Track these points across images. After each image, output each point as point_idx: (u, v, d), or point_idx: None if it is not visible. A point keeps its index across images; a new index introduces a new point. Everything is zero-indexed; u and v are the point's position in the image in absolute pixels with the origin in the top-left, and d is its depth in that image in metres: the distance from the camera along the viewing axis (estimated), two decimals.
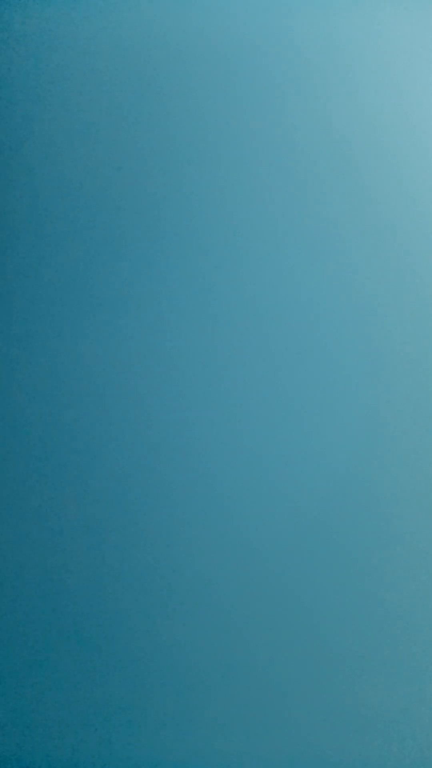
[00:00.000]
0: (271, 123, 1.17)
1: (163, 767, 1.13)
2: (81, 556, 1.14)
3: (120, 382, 1.15)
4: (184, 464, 1.14)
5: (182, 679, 1.13)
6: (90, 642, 1.14)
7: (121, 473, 1.15)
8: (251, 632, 1.13)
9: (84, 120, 1.18)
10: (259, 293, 1.16)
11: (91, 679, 1.14)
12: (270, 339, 1.15)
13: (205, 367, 1.15)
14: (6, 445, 1.15)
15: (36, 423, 1.15)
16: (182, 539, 1.14)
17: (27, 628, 1.14)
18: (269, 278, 1.16)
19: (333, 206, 1.17)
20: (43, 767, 1.13)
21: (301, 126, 1.17)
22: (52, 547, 1.14)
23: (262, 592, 1.13)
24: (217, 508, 1.14)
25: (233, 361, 1.15)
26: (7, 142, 1.18)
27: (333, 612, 1.13)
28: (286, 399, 1.15)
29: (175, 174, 1.17)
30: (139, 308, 1.16)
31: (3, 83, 1.18)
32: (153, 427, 1.15)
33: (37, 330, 1.16)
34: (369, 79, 1.17)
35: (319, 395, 1.15)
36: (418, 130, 1.17)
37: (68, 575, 1.14)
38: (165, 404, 1.15)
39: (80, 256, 1.17)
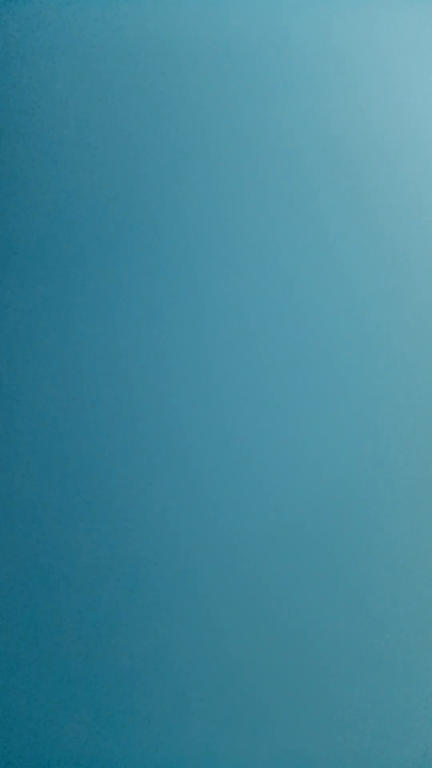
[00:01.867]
0: (269, 125, 1.17)
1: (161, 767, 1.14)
2: (80, 560, 1.14)
3: (115, 389, 1.15)
4: (179, 471, 1.14)
5: (181, 681, 1.14)
6: (89, 645, 1.14)
7: (118, 482, 1.15)
8: (248, 635, 1.13)
9: (83, 122, 1.17)
10: (256, 297, 1.16)
11: (90, 681, 1.14)
12: (267, 344, 1.15)
13: (202, 372, 1.15)
14: (2, 448, 1.15)
15: (33, 428, 1.16)
16: (178, 545, 1.14)
17: (27, 632, 1.14)
18: (267, 282, 1.16)
19: (331, 209, 1.16)
20: (43, 767, 1.14)
21: (299, 128, 1.17)
22: (51, 550, 1.15)
23: (258, 597, 1.14)
24: (212, 513, 1.14)
25: (230, 368, 1.15)
26: (8, 141, 1.17)
27: (329, 615, 1.13)
28: (283, 405, 1.15)
29: (173, 174, 1.17)
30: (136, 312, 1.16)
31: (4, 83, 1.18)
32: (149, 433, 1.15)
33: (35, 335, 1.16)
34: (367, 81, 1.17)
35: (316, 402, 1.15)
36: (417, 131, 1.17)
37: (67, 578, 1.14)
38: (161, 409, 1.15)
39: (78, 260, 1.17)
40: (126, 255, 1.16)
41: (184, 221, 1.16)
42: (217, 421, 1.15)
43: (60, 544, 1.14)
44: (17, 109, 1.17)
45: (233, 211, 1.17)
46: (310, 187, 1.17)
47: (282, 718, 1.13)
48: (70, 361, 1.16)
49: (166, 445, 1.15)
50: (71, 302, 1.16)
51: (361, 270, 1.16)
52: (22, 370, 1.16)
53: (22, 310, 1.17)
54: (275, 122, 1.17)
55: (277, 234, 1.16)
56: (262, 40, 1.17)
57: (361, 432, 1.14)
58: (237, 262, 1.16)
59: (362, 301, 1.16)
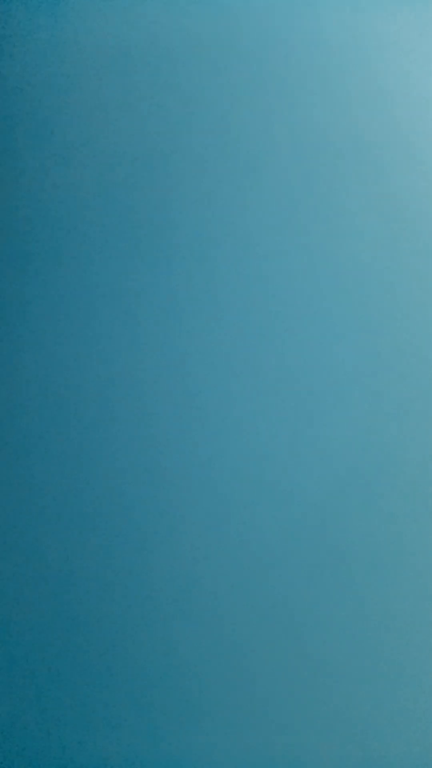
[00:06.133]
0: (271, 124, 1.17)
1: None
2: (83, 560, 1.14)
3: (122, 386, 1.16)
4: (186, 466, 1.14)
5: (181, 682, 1.13)
6: (91, 646, 1.14)
7: (124, 478, 1.15)
8: (251, 636, 1.13)
9: (86, 122, 1.18)
10: (262, 295, 1.16)
11: (91, 683, 1.14)
12: (272, 340, 1.16)
13: (208, 369, 1.15)
14: (8, 444, 1.15)
15: (38, 425, 1.15)
16: (184, 543, 1.14)
17: (28, 632, 1.14)
18: (272, 280, 1.16)
19: (334, 209, 1.17)
20: (43, 767, 1.13)
21: (300, 125, 1.17)
22: (53, 550, 1.14)
23: (262, 595, 1.14)
24: (218, 510, 1.14)
25: (236, 363, 1.15)
26: (9, 141, 1.17)
27: (332, 615, 1.13)
28: (288, 401, 1.15)
29: (178, 172, 1.17)
30: (143, 311, 1.16)
31: (4, 82, 1.18)
32: (155, 429, 1.15)
33: (41, 333, 1.17)
34: (369, 81, 1.17)
35: (321, 398, 1.15)
36: (418, 133, 1.17)
37: (70, 579, 1.14)
38: (167, 405, 1.15)
39: (83, 262, 1.17)
40: (128, 252, 1.17)
41: (185, 219, 1.17)
42: (223, 418, 1.15)
43: (63, 539, 1.14)
44: (18, 109, 1.18)
45: (237, 211, 1.17)
46: (314, 184, 1.17)
47: (283, 716, 1.13)
48: (75, 361, 1.16)
49: (173, 442, 1.15)
50: (73, 301, 1.17)
51: (365, 268, 1.16)
52: (26, 358, 1.16)
53: (24, 305, 1.17)
54: (276, 120, 1.17)
55: (282, 234, 1.17)
56: (262, 41, 1.18)
57: (364, 425, 1.15)
58: (237, 259, 1.16)
59: (364, 297, 1.16)
